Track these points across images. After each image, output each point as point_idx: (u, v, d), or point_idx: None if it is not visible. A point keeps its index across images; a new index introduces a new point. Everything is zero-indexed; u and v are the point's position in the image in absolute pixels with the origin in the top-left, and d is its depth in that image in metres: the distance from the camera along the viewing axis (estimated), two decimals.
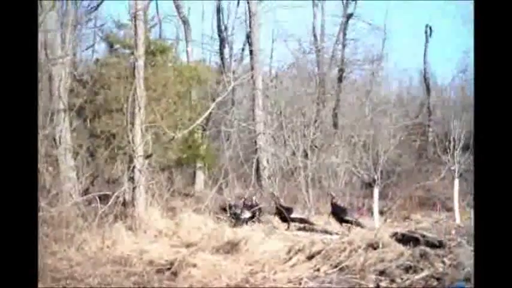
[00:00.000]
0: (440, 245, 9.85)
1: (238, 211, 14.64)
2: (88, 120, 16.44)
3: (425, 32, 31.28)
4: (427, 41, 31.35)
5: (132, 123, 13.32)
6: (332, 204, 14.76)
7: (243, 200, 15.57)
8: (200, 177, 21.69)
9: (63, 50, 14.56)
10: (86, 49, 21.55)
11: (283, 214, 14.52)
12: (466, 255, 8.95)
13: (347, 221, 14.00)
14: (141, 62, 13.67)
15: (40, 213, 11.07)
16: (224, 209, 15.06)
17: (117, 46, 18.40)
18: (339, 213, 14.34)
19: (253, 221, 14.45)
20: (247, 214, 14.58)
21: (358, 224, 13.87)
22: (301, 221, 14.71)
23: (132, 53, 14.63)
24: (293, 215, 14.57)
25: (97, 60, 19.31)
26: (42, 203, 11.64)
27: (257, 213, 14.94)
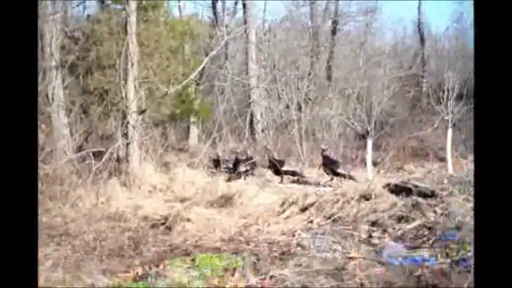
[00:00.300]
0: (432, 194, 9.92)
1: (231, 165, 14.71)
2: (80, 77, 16.34)
3: None
4: None
5: (125, 79, 13.27)
6: (323, 156, 14.61)
7: (235, 154, 15.59)
8: (194, 131, 21.72)
9: (54, 7, 14.40)
10: (77, 5, 21.21)
11: (276, 167, 14.54)
12: (457, 204, 9.04)
13: (338, 174, 13.98)
14: (133, 18, 13.56)
15: None
16: (217, 163, 15.09)
17: (108, 2, 18.14)
18: (330, 166, 14.26)
19: (247, 175, 14.49)
20: (243, 168, 14.62)
21: (351, 177, 13.88)
22: (293, 173, 14.71)
23: (124, 9, 14.47)
24: (285, 168, 14.56)
25: (88, 16, 19.06)
26: None
27: (251, 166, 14.98)
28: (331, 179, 13.87)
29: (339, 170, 14.10)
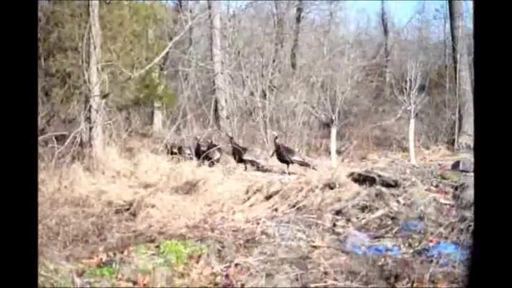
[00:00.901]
0: (395, 184, 10.04)
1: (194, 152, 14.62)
2: (42, 59, 16.06)
3: None
4: None
5: (88, 62, 13.11)
6: (275, 144, 14.44)
7: (196, 140, 15.49)
8: (158, 117, 21.58)
9: None
10: None
11: (239, 155, 14.47)
12: (419, 194, 9.16)
13: (292, 161, 13.79)
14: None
15: None
16: (180, 150, 15.02)
17: None
18: (283, 153, 14.04)
19: (212, 162, 14.37)
20: (216, 155, 14.50)
21: (305, 164, 13.82)
22: (252, 162, 14.59)
23: None
24: (245, 157, 14.44)
25: None
26: None
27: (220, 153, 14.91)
28: (288, 167, 13.75)
29: (295, 157, 13.95)
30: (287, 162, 13.78)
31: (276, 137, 14.64)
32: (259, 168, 14.27)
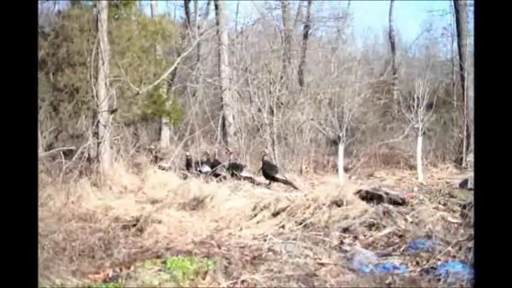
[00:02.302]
0: (403, 202, 10.02)
1: (205, 168, 14.58)
2: (50, 74, 16.15)
3: None
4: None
5: (96, 78, 13.18)
6: (263, 161, 14.42)
7: (206, 156, 15.49)
8: (166, 133, 21.58)
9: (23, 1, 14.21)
10: (47, 0, 20.96)
11: (234, 172, 14.36)
12: (427, 213, 9.14)
13: (275, 179, 13.76)
14: (104, 15, 13.44)
15: None
16: (189, 165, 15.00)
17: None
18: (268, 170, 14.03)
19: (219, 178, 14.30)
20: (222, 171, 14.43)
21: (287, 183, 13.68)
22: (249, 179, 14.38)
23: (95, 6, 14.35)
24: (242, 174, 14.34)
25: (59, 12, 18.86)
26: None
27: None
28: (269, 183, 13.70)
29: (277, 175, 13.90)
30: (273, 179, 13.78)
31: (265, 154, 14.74)
32: (255, 185, 14.07)
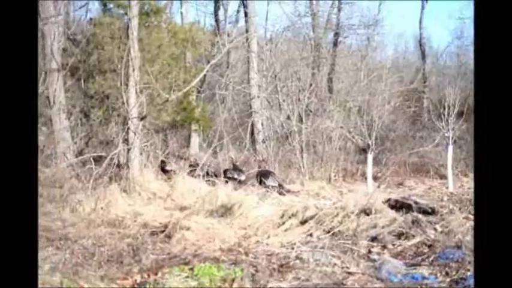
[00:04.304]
0: (432, 211, 9.95)
1: (236, 175, 14.63)
2: (82, 81, 16.32)
3: None
4: (423, 7, 31.12)
5: (126, 84, 13.29)
6: (258, 167, 14.75)
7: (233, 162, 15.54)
8: (195, 139, 21.66)
9: (56, 9, 14.41)
10: (79, 8, 21.22)
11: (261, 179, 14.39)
12: (457, 222, 9.04)
13: (267, 185, 13.78)
14: (134, 23, 13.56)
15: None
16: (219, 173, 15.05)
17: (110, 6, 18.17)
18: (262, 177, 14.22)
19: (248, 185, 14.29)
20: (272, 182, 14.45)
21: (281, 188, 13.74)
22: (277, 187, 14.28)
23: (126, 13, 14.50)
24: (269, 181, 14.30)
25: (90, 19, 19.08)
26: None
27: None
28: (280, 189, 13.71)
29: (268, 182, 13.98)
30: (266, 186, 13.79)
31: (261, 161, 15.21)
32: (281, 193, 14.03)
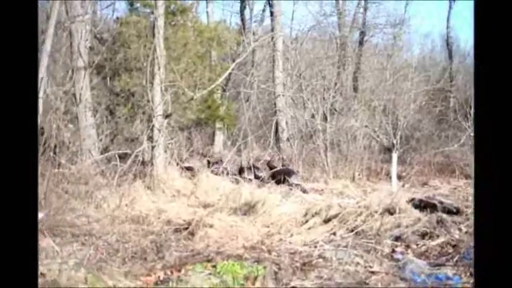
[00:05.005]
0: (457, 211, 9.86)
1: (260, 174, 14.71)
2: (108, 78, 16.45)
3: None
4: (450, 6, 30.80)
5: (152, 83, 13.36)
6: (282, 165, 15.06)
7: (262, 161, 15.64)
8: (219, 138, 21.72)
9: (83, 8, 14.53)
10: (106, 7, 21.41)
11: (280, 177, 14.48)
12: None
13: (292, 184, 14.06)
14: (161, 21, 13.65)
15: (60, 170, 11.23)
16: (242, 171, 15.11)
17: (137, 5, 18.29)
18: (285, 175, 14.46)
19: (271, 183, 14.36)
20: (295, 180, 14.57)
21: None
22: (298, 186, 14.36)
23: (152, 12, 14.59)
24: (292, 180, 14.37)
25: (117, 18, 19.23)
26: (62, 160, 11.79)
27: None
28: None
29: (291, 180, 14.30)
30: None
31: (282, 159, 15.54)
32: (304, 191, 14.03)
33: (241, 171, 14.99)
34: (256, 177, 14.44)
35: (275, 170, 15.11)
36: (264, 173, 14.90)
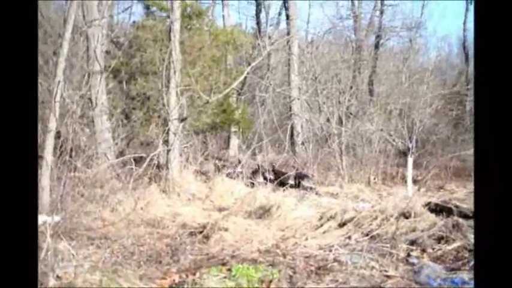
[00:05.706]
0: (473, 216, 9.77)
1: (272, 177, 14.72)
2: (124, 82, 16.53)
3: None
4: (467, 9, 30.66)
5: (167, 86, 13.42)
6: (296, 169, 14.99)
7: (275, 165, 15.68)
8: (234, 141, 21.74)
9: (100, 12, 14.61)
10: (123, 11, 21.53)
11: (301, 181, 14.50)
12: None
13: (307, 188, 14.11)
14: (177, 25, 13.72)
15: (76, 173, 11.29)
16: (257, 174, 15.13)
17: (153, 9, 18.38)
18: (299, 179, 14.56)
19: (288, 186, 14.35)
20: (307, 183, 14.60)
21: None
22: (311, 189, 14.39)
23: (168, 16, 14.65)
24: (306, 183, 14.38)
25: (133, 22, 19.35)
26: (78, 164, 11.85)
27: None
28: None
29: (305, 183, 14.38)
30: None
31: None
32: (339, 193, 14.08)
33: (255, 174, 15.01)
34: (271, 180, 14.43)
35: (286, 174, 15.08)
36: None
